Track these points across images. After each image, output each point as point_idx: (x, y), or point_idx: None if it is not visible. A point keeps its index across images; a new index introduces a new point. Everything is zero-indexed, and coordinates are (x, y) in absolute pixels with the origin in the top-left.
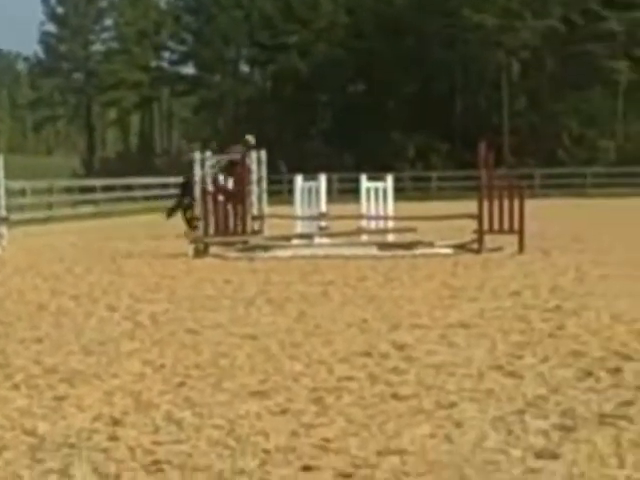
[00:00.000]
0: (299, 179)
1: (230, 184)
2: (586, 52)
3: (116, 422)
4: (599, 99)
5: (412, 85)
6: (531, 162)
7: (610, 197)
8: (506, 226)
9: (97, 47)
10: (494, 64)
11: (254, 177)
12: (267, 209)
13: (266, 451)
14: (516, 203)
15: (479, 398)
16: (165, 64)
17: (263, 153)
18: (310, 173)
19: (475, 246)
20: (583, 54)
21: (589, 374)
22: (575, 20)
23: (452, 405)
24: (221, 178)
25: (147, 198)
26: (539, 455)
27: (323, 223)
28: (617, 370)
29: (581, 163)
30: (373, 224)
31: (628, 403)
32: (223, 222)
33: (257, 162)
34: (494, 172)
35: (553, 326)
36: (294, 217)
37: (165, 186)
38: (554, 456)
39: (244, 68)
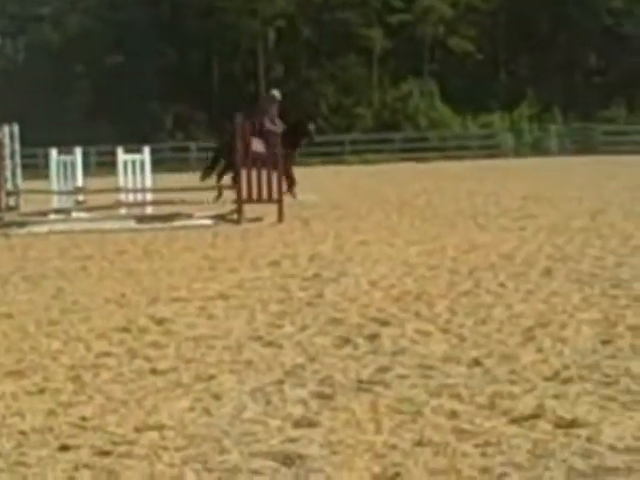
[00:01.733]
0: (54, 153)
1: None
2: (341, 20)
3: None
4: (354, 67)
5: (169, 55)
6: None
7: (368, 163)
8: (265, 195)
9: None
10: (250, 33)
11: (7, 152)
12: (22, 184)
13: (22, 432)
14: (274, 172)
15: (238, 369)
16: None
17: (16, 127)
18: (68, 146)
19: (235, 216)
20: (338, 22)
21: (347, 341)
22: None
23: (211, 378)
24: None
25: None
26: (297, 424)
27: (80, 197)
28: (375, 336)
29: (339, 130)
30: (131, 197)
31: (385, 369)
32: None
33: (10, 136)
34: (251, 141)
35: (312, 294)
36: (50, 192)
37: None
38: (312, 424)
39: None
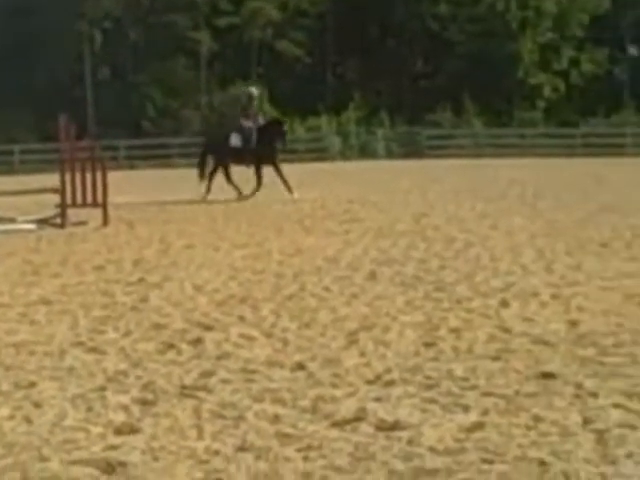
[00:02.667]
0: None
1: None
2: (168, 22)
3: None
4: (182, 70)
5: None
6: (116, 133)
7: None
8: (89, 199)
9: None
10: (76, 34)
11: None
12: None
13: None
14: (99, 175)
15: (60, 376)
16: None
17: None
18: None
19: (58, 220)
20: (165, 24)
21: (171, 346)
22: None
23: (32, 385)
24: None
25: None
26: (119, 430)
27: None
28: (198, 341)
29: (167, 134)
30: None
31: (208, 374)
32: None
33: None
34: (76, 144)
35: (136, 299)
36: None
37: None
38: (134, 430)
39: None
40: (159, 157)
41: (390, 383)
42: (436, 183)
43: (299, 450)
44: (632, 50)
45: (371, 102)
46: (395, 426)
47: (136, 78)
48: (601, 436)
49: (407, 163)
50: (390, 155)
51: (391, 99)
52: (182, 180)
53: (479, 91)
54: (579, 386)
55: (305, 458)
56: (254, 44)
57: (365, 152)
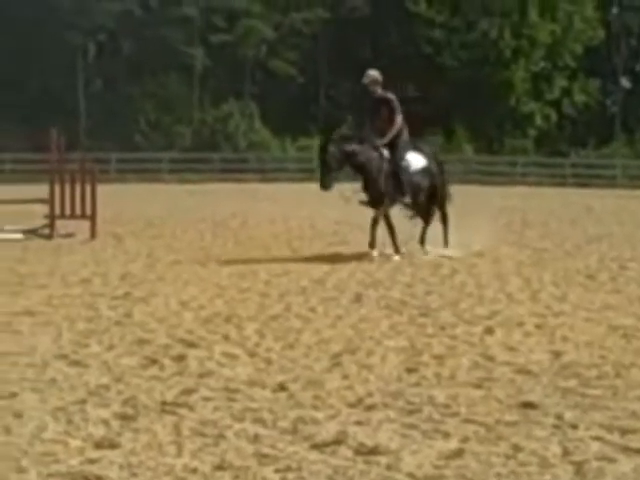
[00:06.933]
0: None
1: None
2: (162, 36)
3: None
4: (175, 84)
5: None
6: (107, 146)
7: (186, 183)
8: (78, 211)
9: None
10: (69, 46)
11: None
12: None
13: None
14: (88, 187)
15: (41, 388)
16: None
17: None
18: None
19: (46, 231)
20: (159, 38)
21: (154, 362)
22: (151, 4)
23: (13, 395)
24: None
25: None
26: (98, 445)
27: None
28: (181, 357)
29: (158, 148)
30: None
31: (190, 391)
32: None
33: None
34: (66, 156)
35: (121, 313)
36: None
37: None
38: (113, 445)
39: None
40: (150, 171)
41: (371, 407)
42: None
43: (277, 471)
44: (624, 82)
45: (362, 124)
46: (375, 450)
47: (129, 91)
48: (580, 468)
49: None
50: None
51: None
52: (171, 195)
53: (470, 117)
54: (560, 417)
55: (283, 479)
56: (247, 62)
57: None
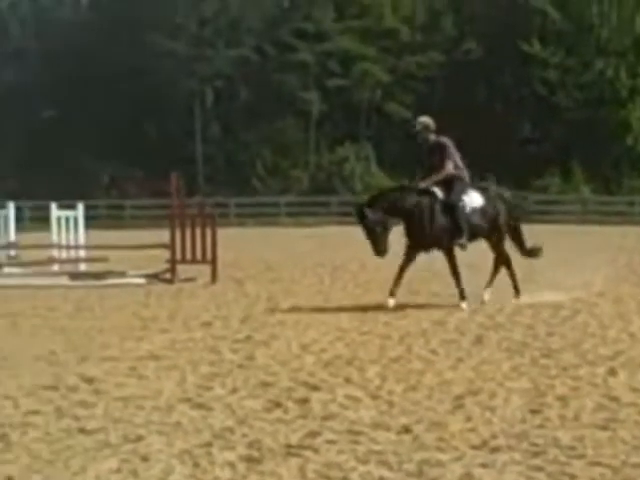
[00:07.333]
0: None
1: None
2: (279, 82)
3: None
4: (292, 129)
5: (105, 112)
6: (226, 191)
7: (302, 226)
8: (199, 256)
9: None
10: (187, 92)
11: None
12: None
13: None
14: (208, 232)
15: (167, 431)
16: None
17: None
18: (1, 200)
19: (168, 276)
20: (276, 84)
21: (277, 405)
22: (267, 50)
23: (139, 439)
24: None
25: None
26: None
27: (12, 252)
28: (305, 400)
29: (275, 192)
30: (65, 253)
31: (314, 434)
32: None
33: None
34: (186, 201)
35: (243, 357)
36: None
37: None
38: None
39: None
40: (268, 215)
41: (496, 449)
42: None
43: None
44: None
45: (478, 166)
46: None
47: (246, 136)
48: None
49: None
50: None
51: (499, 163)
52: (289, 238)
53: (587, 157)
54: None
55: None
56: (363, 105)
57: None
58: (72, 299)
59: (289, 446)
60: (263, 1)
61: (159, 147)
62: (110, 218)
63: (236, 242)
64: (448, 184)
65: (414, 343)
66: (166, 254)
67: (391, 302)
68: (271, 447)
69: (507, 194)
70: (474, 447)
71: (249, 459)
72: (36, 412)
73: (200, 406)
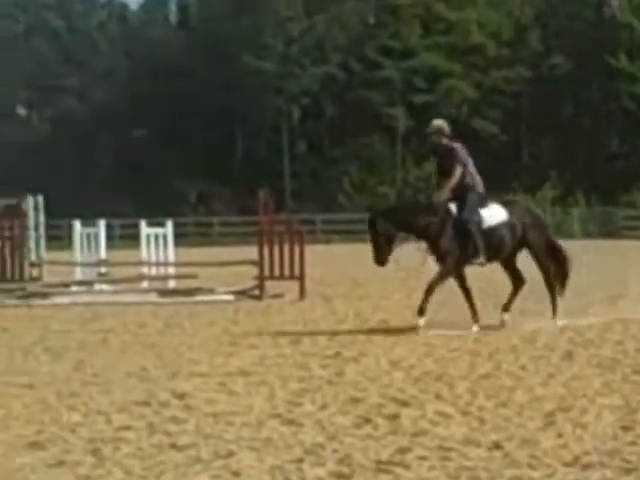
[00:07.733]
0: (77, 225)
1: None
2: (364, 99)
3: None
4: (378, 145)
5: (193, 130)
6: (312, 207)
7: None
8: (287, 272)
9: None
10: (274, 109)
11: (31, 222)
12: (46, 255)
13: None
14: (296, 249)
15: (257, 447)
16: None
17: (40, 199)
18: (90, 219)
19: (256, 292)
20: (361, 100)
21: (367, 421)
22: (353, 67)
23: (230, 454)
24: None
25: None
26: None
27: (103, 269)
28: (395, 417)
29: (362, 209)
30: (154, 270)
31: (405, 450)
32: (0, 268)
33: (34, 208)
34: (274, 218)
35: (332, 373)
36: (73, 263)
37: None
38: None
39: (21, 111)
40: (354, 232)
41: (588, 466)
42: (633, 265)
43: None
44: None
45: (566, 181)
46: None
47: (332, 153)
48: None
49: (602, 243)
50: (586, 235)
51: (586, 179)
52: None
53: None
54: None
55: None
56: (449, 121)
57: (560, 231)
58: (161, 316)
59: (379, 462)
60: (349, 19)
61: (246, 164)
62: (198, 235)
63: (323, 259)
64: (461, 198)
65: (503, 359)
66: (254, 271)
67: (421, 322)
68: (361, 463)
69: (537, 210)
70: (566, 464)
71: (339, 475)
72: (128, 427)
73: (290, 422)
